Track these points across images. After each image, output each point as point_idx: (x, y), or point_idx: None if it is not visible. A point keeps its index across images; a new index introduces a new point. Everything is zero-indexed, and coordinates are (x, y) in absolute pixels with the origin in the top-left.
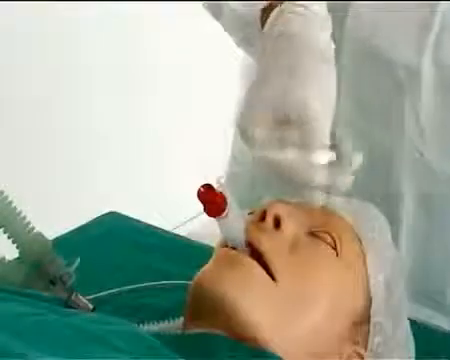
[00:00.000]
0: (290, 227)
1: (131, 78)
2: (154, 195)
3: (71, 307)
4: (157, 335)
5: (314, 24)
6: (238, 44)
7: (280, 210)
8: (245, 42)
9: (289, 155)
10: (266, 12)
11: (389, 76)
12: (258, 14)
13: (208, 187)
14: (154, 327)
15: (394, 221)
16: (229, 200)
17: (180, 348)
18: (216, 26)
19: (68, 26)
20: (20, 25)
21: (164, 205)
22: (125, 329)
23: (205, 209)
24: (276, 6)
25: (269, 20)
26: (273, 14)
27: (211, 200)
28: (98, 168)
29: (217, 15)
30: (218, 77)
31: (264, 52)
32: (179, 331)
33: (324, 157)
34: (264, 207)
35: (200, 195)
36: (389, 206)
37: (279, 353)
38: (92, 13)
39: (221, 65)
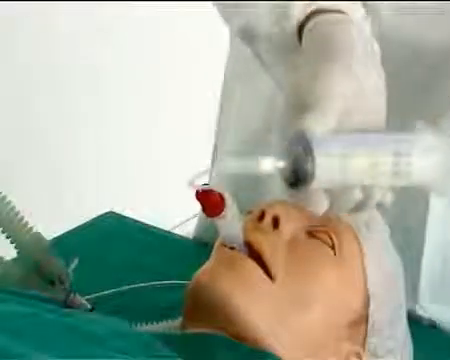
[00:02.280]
0: (288, 227)
1: (131, 79)
2: (153, 195)
3: (70, 307)
4: (156, 335)
5: (348, 24)
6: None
7: (278, 210)
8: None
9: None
10: (302, 27)
11: (421, 64)
12: (294, 33)
13: (206, 187)
14: (153, 327)
15: (421, 221)
16: (227, 200)
17: (179, 348)
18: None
19: (68, 26)
20: (20, 25)
21: (163, 205)
22: (123, 329)
23: (203, 209)
24: (313, 18)
25: (304, 34)
26: (307, 27)
27: (209, 200)
28: (98, 168)
29: (251, 43)
30: (219, 79)
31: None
32: (178, 331)
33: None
34: (262, 207)
35: (198, 195)
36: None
37: (277, 353)
38: (92, 13)
39: (219, 67)
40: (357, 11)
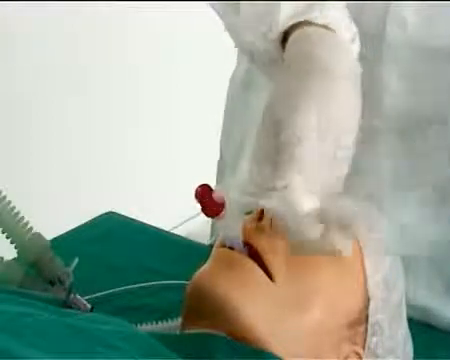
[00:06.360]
0: None
1: (130, 77)
2: (153, 195)
3: (70, 307)
4: (156, 335)
5: (333, 43)
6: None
7: None
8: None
9: (273, 201)
10: (287, 36)
11: None
12: (278, 41)
13: (206, 187)
14: (153, 327)
15: None
16: (227, 200)
17: (179, 348)
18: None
19: (67, 26)
20: (18, 25)
21: (163, 205)
22: (124, 329)
23: (203, 209)
24: (298, 28)
25: (288, 44)
26: (291, 37)
27: (209, 200)
28: (97, 168)
29: (252, 59)
30: (218, 78)
31: (278, 76)
32: (178, 331)
33: (307, 203)
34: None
35: (197, 195)
36: None
37: (278, 353)
38: (90, 12)
39: (220, 67)
40: (346, 30)
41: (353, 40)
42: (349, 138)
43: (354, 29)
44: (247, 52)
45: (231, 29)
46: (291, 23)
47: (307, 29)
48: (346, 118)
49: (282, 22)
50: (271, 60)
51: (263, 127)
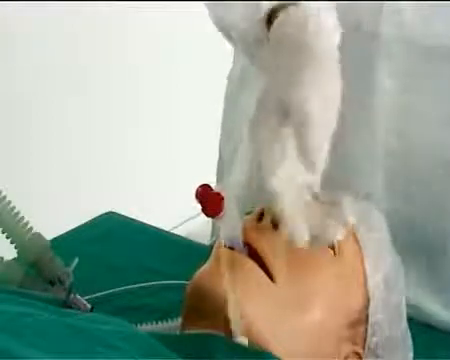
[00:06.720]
0: None
1: (130, 77)
2: (153, 195)
3: (69, 307)
4: (156, 335)
5: (318, 31)
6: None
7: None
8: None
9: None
10: (272, 16)
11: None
12: (263, 21)
13: (206, 187)
14: (153, 327)
15: None
16: (227, 200)
17: (179, 348)
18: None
19: (67, 26)
20: (18, 25)
21: (163, 205)
22: (124, 329)
23: (203, 209)
24: (283, 10)
25: (274, 26)
26: (278, 19)
27: (209, 200)
28: (97, 168)
29: (230, 41)
30: (218, 78)
31: (268, 60)
32: (178, 331)
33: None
34: (262, 207)
35: (198, 195)
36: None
37: (278, 353)
38: (91, 12)
39: (220, 67)
40: (330, 18)
41: (336, 28)
42: (329, 131)
43: (336, 23)
44: (234, 38)
45: (220, 22)
46: (277, 3)
47: (291, 11)
48: (328, 109)
49: (268, 2)
50: (257, 40)
51: (262, 107)
